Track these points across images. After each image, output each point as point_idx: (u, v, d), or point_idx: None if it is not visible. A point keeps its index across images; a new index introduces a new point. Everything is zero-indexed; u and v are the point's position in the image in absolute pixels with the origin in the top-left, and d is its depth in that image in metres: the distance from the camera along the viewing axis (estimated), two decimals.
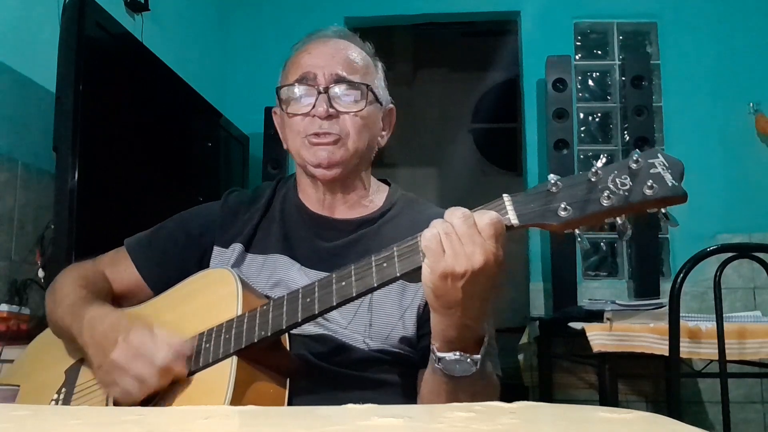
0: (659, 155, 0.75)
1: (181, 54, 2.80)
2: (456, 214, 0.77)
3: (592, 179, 0.76)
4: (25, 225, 1.86)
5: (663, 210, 0.75)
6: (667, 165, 0.74)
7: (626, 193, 0.74)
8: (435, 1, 3.57)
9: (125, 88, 2.00)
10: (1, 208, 1.78)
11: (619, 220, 0.76)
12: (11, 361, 1.24)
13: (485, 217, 0.77)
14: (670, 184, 0.73)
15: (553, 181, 0.77)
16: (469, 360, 0.81)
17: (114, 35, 1.95)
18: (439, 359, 0.82)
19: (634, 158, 0.74)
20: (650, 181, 0.73)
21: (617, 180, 0.75)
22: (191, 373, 0.91)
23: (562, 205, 0.76)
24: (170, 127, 2.35)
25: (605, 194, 0.74)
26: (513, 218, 0.78)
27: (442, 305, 0.79)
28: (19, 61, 1.86)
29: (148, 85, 2.16)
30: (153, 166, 2.15)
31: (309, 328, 0.97)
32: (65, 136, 1.66)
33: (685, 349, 1.90)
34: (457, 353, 0.81)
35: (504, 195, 0.80)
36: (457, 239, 0.76)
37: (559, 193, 0.77)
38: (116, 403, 0.94)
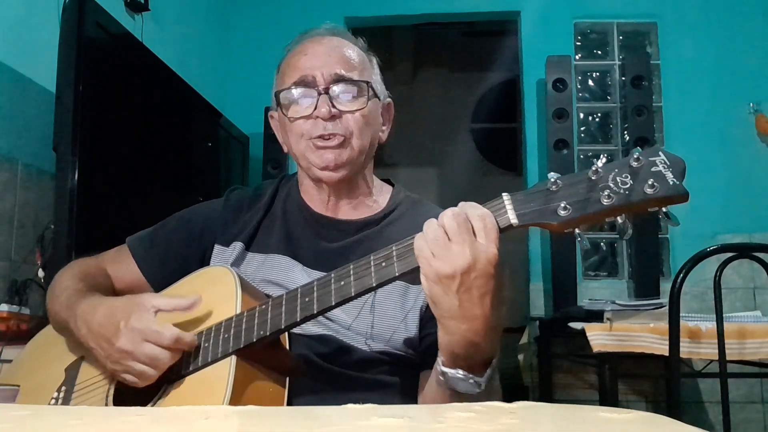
0: (660, 153, 0.74)
1: (181, 54, 2.80)
2: (446, 214, 0.76)
3: (593, 177, 0.75)
4: (25, 225, 1.86)
5: (664, 209, 0.73)
6: (668, 163, 0.73)
7: (627, 192, 0.73)
8: (435, 1, 3.57)
9: (125, 88, 2.00)
10: (1, 208, 1.78)
11: (619, 219, 0.75)
12: (11, 361, 1.24)
13: (477, 213, 0.76)
14: (671, 182, 0.72)
15: (552, 180, 0.76)
16: (472, 380, 0.79)
17: (114, 35, 1.95)
18: (443, 373, 0.80)
19: (635, 156, 0.73)
20: (651, 179, 0.72)
21: (618, 179, 0.74)
22: (191, 372, 0.90)
23: (562, 204, 0.75)
24: (170, 127, 2.35)
25: (606, 193, 0.73)
26: (512, 218, 0.77)
27: (441, 314, 0.77)
28: (19, 61, 1.86)
29: (148, 85, 2.16)
30: (153, 166, 2.15)
31: (311, 329, 0.97)
32: (65, 136, 1.66)
33: (685, 349, 1.90)
34: (461, 372, 0.79)
35: (503, 194, 0.79)
36: (446, 240, 0.75)
37: (558, 192, 0.76)
38: (117, 401, 0.94)
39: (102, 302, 0.98)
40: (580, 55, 3.41)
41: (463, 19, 3.76)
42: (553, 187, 0.76)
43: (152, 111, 2.18)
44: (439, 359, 0.82)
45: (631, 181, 0.73)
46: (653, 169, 0.73)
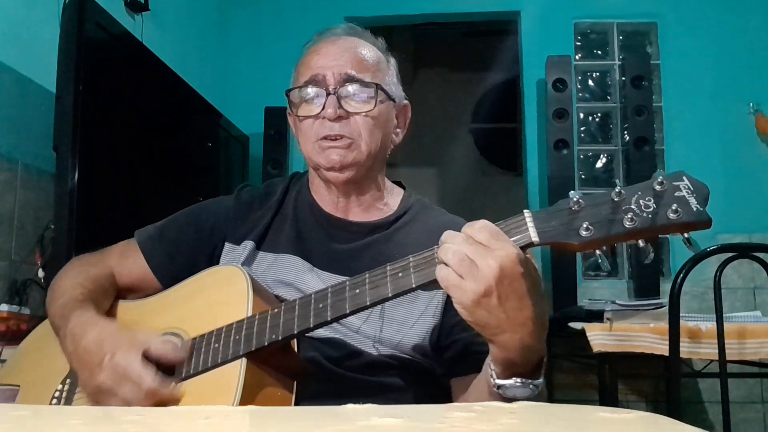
0: (684, 178, 0.74)
1: (181, 54, 2.80)
2: (457, 241, 0.74)
3: (615, 199, 0.74)
4: (25, 225, 1.86)
5: (686, 234, 0.73)
6: (692, 189, 0.73)
7: (650, 216, 0.72)
8: (435, 1, 3.57)
9: (125, 88, 2.00)
10: (1, 208, 1.78)
11: (641, 243, 0.74)
12: None
13: (476, 227, 0.75)
14: (694, 209, 0.72)
15: (575, 199, 0.75)
16: (531, 386, 0.78)
17: (114, 35, 1.95)
18: (500, 386, 0.79)
19: (659, 180, 0.73)
20: (675, 204, 0.72)
21: (641, 202, 0.73)
22: (200, 372, 0.90)
23: (584, 225, 0.74)
24: (170, 127, 2.35)
25: (629, 216, 0.73)
26: (534, 235, 0.76)
27: (493, 332, 0.75)
28: (19, 61, 1.86)
29: (148, 85, 2.16)
30: (153, 166, 2.15)
31: (319, 331, 0.95)
32: (65, 136, 1.66)
33: (685, 349, 1.90)
34: (519, 379, 0.78)
35: (525, 211, 0.78)
36: (469, 261, 0.73)
37: (581, 212, 0.75)
38: None
39: (94, 324, 0.95)
40: (580, 55, 3.41)
41: (463, 19, 3.76)
42: (575, 206, 0.75)
43: (152, 111, 2.18)
44: (492, 373, 0.80)
45: (654, 205, 0.73)
46: (677, 194, 0.73)
